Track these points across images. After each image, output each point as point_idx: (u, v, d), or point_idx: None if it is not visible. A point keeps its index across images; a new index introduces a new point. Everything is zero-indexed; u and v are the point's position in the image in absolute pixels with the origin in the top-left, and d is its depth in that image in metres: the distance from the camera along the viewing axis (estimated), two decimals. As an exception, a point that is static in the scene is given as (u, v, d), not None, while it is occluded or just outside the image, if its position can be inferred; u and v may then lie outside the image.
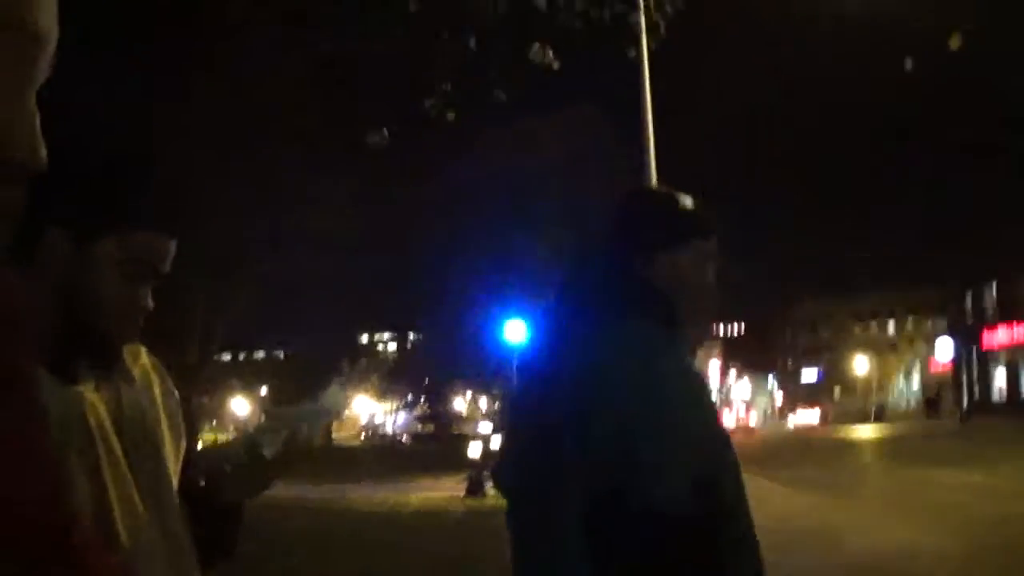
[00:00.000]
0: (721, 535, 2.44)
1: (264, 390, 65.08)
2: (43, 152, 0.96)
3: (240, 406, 72.41)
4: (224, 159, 10.45)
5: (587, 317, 2.74)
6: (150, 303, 2.11)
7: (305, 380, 54.72)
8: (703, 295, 2.87)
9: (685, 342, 2.80)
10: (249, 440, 2.31)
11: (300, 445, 2.33)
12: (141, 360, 2.30)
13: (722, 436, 2.64)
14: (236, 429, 74.59)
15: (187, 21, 9.66)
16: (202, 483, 2.36)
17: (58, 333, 2.02)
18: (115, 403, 2.15)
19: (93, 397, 2.08)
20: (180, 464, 2.33)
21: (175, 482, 2.27)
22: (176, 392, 2.43)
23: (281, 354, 54.42)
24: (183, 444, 2.36)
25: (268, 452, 2.29)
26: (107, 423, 2.08)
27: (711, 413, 2.66)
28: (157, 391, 2.30)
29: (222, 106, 10.32)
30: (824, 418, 77.68)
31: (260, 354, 56.08)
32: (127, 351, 2.22)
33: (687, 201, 2.91)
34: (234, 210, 10.65)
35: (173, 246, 2.13)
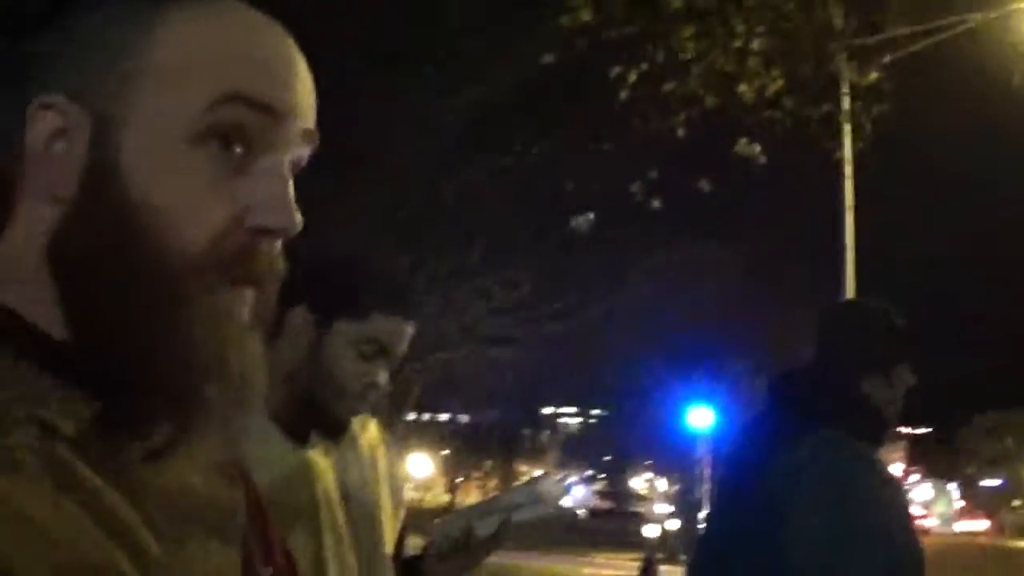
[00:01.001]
0: None
1: (445, 452, 65.46)
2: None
3: (421, 464, 73.00)
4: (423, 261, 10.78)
5: (798, 427, 2.81)
6: (383, 381, 2.24)
7: (487, 446, 54.92)
8: (900, 408, 2.93)
9: (879, 447, 2.88)
10: (465, 521, 2.45)
11: (510, 530, 2.45)
12: (369, 431, 2.43)
13: (913, 549, 2.69)
14: (415, 488, 75.15)
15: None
16: (417, 556, 2.52)
17: (295, 401, 2.25)
18: (342, 471, 2.33)
19: (322, 463, 2.24)
20: (397, 534, 2.51)
21: (390, 551, 2.44)
22: (399, 465, 2.60)
23: (465, 418, 54.68)
24: (401, 513, 2.48)
25: (481, 534, 2.42)
26: (333, 490, 2.25)
27: (906, 525, 2.72)
28: (382, 463, 2.43)
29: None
30: (999, 528, 74.33)
31: (444, 416, 56.50)
32: (356, 422, 2.36)
33: (900, 321, 2.98)
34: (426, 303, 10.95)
35: (409, 329, 2.26)
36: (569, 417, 72.39)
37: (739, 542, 2.83)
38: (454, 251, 11.50)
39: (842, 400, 2.83)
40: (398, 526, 2.47)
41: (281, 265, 0.95)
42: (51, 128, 0.88)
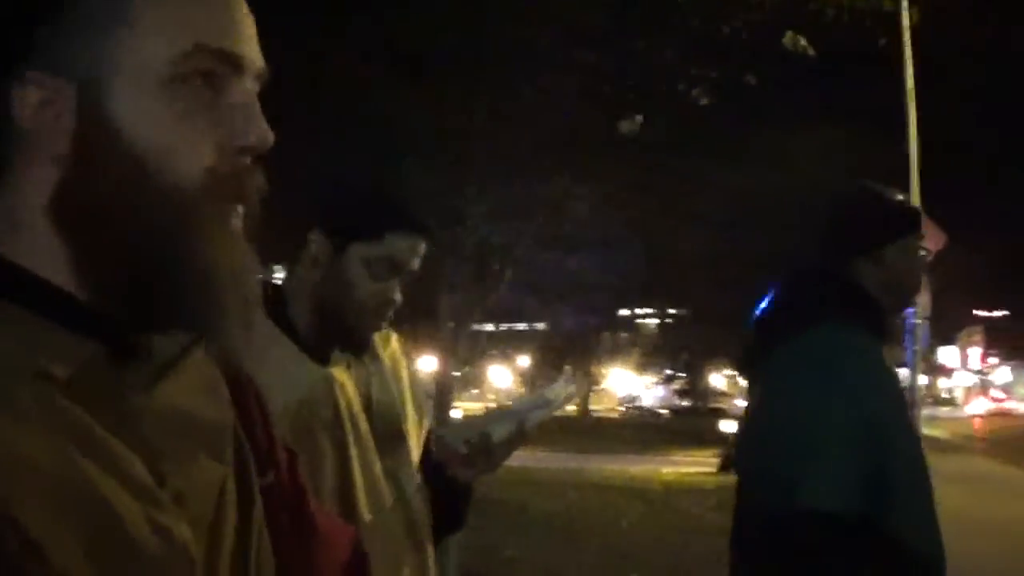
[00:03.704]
0: (888, 523, 2.51)
1: (526, 360, 65.66)
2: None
3: (500, 375, 73.35)
4: (486, 170, 10.76)
5: (791, 320, 2.86)
6: (397, 297, 2.35)
7: (566, 353, 54.96)
8: (908, 290, 2.93)
9: (885, 341, 2.89)
10: (483, 427, 2.56)
11: (524, 434, 2.56)
12: (391, 345, 2.56)
13: (901, 434, 2.71)
14: (496, 398, 75.47)
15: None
16: (439, 462, 2.63)
17: (314, 321, 2.36)
18: (365, 385, 2.44)
19: (344, 378, 2.36)
20: (422, 442, 2.63)
21: (416, 459, 2.56)
22: (420, 374, 2.71)
23: (542, 325, 54.74)
24: (426, 423, 2.61)
25: (497, 438, 2.54)
26: (356, 404, 2.36)
27: (891, 409, 2.71)
28: (405, 374, 2.57)
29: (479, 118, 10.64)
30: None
31: (521, 326, 56.59)
32: (378, 337, 2.49)
33: (895, 198, 2.96)
34: (488, 212, 10.95)
35: (421, 246, 2.37)
36: (647, 318, 72.18)
37: (749, 446, 2.91)
38: (526, 165, 11.45)
39: (829, 291, 2.82)
40: (423, 436, 2.58)
41: (263, 183, 1.08)
42: (35, 101, 1.01)
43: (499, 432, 2.52)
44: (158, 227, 1.00)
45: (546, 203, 11.62)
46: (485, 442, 2.51)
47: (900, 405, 2.83)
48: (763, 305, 3.03)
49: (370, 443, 2.37)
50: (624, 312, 64.55)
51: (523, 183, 11.31)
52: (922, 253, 2.91)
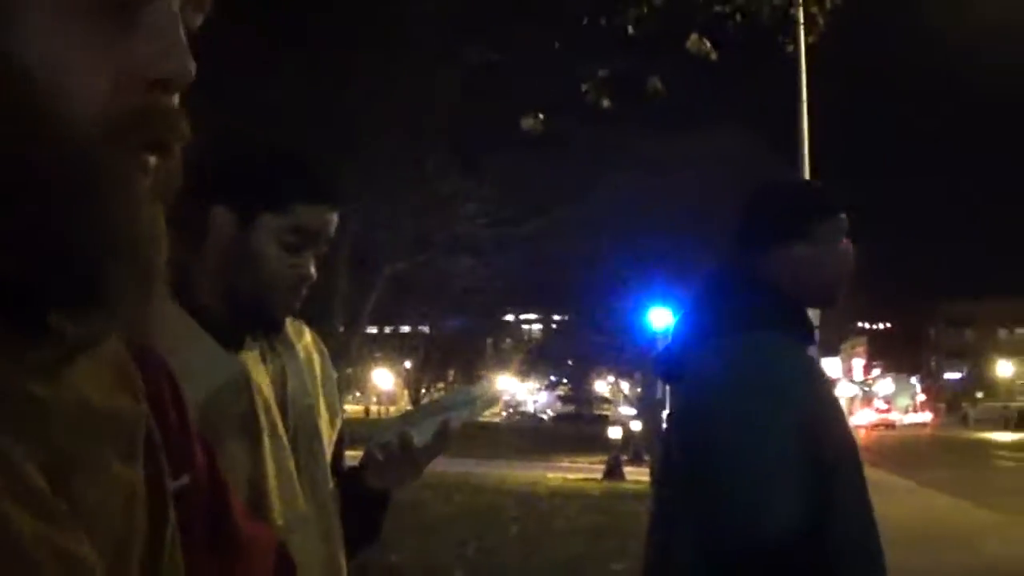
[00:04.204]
0: (829, 539, 2.42)
1: (408, 364, 65.83)
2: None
3: (383, 378, 73.38)
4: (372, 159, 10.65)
5: (709, 329, 2.72)
6: (312, 272, 2.21)
7: (449, 356, 55.21)
8: (833, 277, 2.78)
9: (809, 342, 2.75)
10: (401, 429, 2.35)
11: (448, 437, 2.36)
12: (305, 338, 2.40)
13: (840, 439, 2.59)
14: (379, 400, 75.74)
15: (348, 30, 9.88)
16: (355, 467, 2.42)
17: (224, 305, 2.16)
18: (279, 376, 2.25)
19: (259, 369, 2.19)
20: (334, 442, 2.42)
21: (329, 459, 2.35)
22: (334, 372, 2.52)
23: (426, 329, 54.84)
24: (338, 422, 2.44)
25: (419, 441, 2.32)
26: (270, 397, 2.18)
27: (825, 418, 2.59)
28: (318, 369, 2.39)
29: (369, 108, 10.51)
30: (964, 420, 76.64)
31: (405, 328, 56.66)
32: (291, 327, 2.33)
33: (809, 182, 2.85)
34: (375, 209, 10.82)
35: (333, 217, 2.22)
36: (531, 324, 72.90)
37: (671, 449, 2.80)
38: (407, 158, 11.35)
39: (748, 294, 2.70)
40: (335, 435, 2.42)
41: (185, 129, 0.87)
42: None
43: (421, 435, 2.30)
44: (43, 177, 0.79)
45: (429, 199, 11.50)
46: (405, 446, 2.30)
47: (836, 409, 2.70)
48: (684, 309, 2.90)
49: (284, 441, 2.17)
50: (509, 317, 65.16)
51: (404, 175, 11.17)
52: (845, 240, 2.75)
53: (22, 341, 0.82)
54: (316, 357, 2.40)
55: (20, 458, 0.78)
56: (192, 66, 0.86)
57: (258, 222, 2.15)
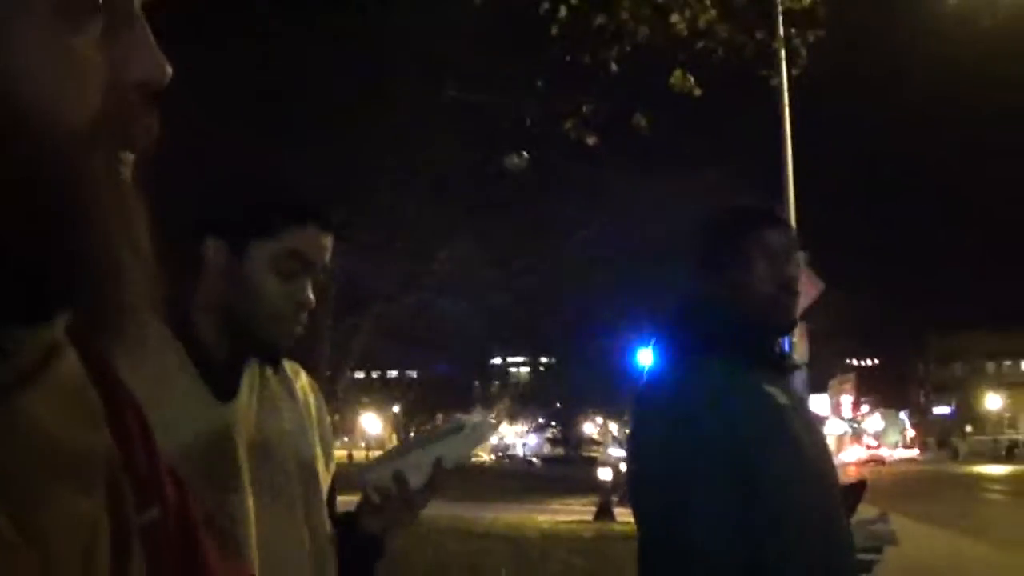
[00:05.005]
0: (768, 553, 2.44)
1: (396, 408, 65.73)
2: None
3: (371, 423, 73.19)
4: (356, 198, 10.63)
5: (659, 358, 2.77)
6: (310, 298, 2.16)
7: (437, 400, 55.10)
8: (768, 297, 2.72)
9: (762, 366, 2.70)
10: (394, 468, 2.25)
11: (446, 475, 2.27)
12: (301, 379, 2.35)
13: (785, 458, 2.57)
14: (367, 446, 75.50)
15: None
16: (349, 512, 2.33)
17: (224, 337, 2.12)
18: (277, 419, 2.19)
19: (251, 417, 2.12)
20: (329, 486, 2.33)
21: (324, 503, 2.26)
22: (328, 416, 2.44)
23: (414, 373, 54.81)
24: (332, 466, 2.37)
25: (414, 482, 2.23)
26: (264, 444, 2.12)
27: (763, 439, 2.56)
28: (314, 411, 2.34)
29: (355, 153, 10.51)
30: (955, 455, 76.75)
31: (393, 373, 56.62)
32: (290, 367, 2.28)
33: (743, 202, 2.88)
34: (364, 249, 10.77)
35: (326, 240, 2.17)
36: (519, 367, 72.93)
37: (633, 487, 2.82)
38: (391, 199, 11.32)
39: (687, 321, 2.75)
40: (329, 478, 2.34)
41: (156, 125, 0.88)
42: None
43: (415, 475, 2.21)
44: (29, 180, 0.76)
45: (416, 241, 11.48)
46: (400, 487, 2.21)
47: (783, 430, 2.63)
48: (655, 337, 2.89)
49: (274, 487, 2.11)
50: (496, 361, 65.20)
51: (389, 218, 11.15)
52: (790, 250, 2.74)
53: None
54: (312, 399, 2.35)
55: None
56: (168, 68, 0.87)
57: (251, 250, 2.10)
